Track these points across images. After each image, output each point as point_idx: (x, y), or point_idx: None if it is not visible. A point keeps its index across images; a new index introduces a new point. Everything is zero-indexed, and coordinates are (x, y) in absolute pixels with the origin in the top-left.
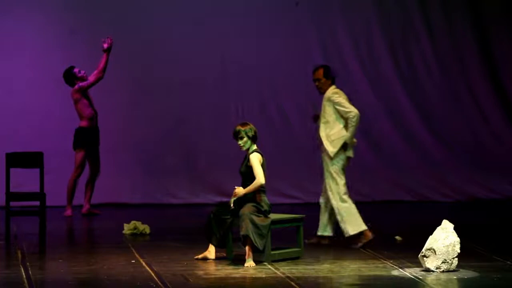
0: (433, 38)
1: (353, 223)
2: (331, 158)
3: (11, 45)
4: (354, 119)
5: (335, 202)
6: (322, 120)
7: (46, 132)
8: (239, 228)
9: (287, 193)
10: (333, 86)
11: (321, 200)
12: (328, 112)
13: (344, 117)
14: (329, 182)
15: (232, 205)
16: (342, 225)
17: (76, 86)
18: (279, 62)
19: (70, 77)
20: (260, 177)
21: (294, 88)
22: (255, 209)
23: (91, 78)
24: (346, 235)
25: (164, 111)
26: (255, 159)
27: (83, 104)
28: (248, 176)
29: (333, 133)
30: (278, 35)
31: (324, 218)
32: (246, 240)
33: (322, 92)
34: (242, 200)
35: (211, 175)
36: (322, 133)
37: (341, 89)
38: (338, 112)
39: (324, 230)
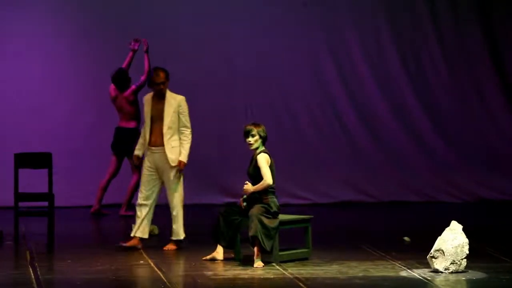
0: (441, 38)
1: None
2: (171, 166)
3: (21, 45)
4: (190, 136)
5: (178, 205)
6: (167, 125)
7: (55, 133)
8: (248, 229)
9: (295, 194)
10: (168, 90)
11: (146, 202)
12: (173, 119)
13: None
14: (176, 187)
15: (243, 204)
16: (176, 226)
17: (134, 87)
18: (287, 62)
19: (126, 79)
20: (267, 178)
21: (303, 89)
22: (264, 210)
23: (142, 79)
24: (174, 238)
25: None
26: (263, 160)
27: (137, 105)
28: (256, 177)
29: (173, 140)
30: (286, 35)
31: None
32: (254, 241)
33: (163, 93)
34: (251, 200)
35: (218, 175)
36: (165, 138)
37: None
38: (178, 121)
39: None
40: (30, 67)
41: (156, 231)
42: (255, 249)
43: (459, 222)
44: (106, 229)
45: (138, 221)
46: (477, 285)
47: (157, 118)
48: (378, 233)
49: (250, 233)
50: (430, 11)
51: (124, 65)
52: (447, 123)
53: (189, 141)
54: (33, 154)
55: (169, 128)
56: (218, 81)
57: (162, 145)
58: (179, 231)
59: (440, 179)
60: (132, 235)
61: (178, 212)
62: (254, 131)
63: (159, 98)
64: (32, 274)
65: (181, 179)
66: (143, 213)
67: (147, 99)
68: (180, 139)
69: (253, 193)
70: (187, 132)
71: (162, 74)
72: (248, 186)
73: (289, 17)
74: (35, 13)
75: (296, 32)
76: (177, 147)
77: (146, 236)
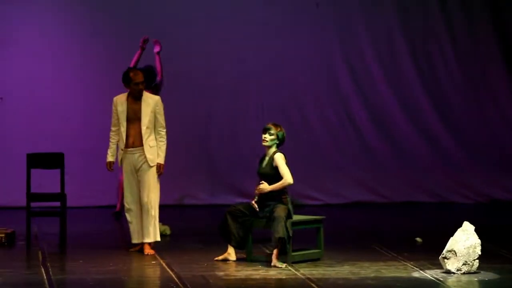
0: (454, 38)
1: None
2: (150, 166)
3: (33, 45)
4: (165, 137)
5: (155, 204)
6: (145, 125)
7: (67, 133)
8: (274, 231)
9: (306, 194)
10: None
11: (133, 207)
12: (151, 119)
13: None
14: (154, 188)
15: (256, 205)
16: (154, 229)
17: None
18: (299, 63)
19: (155, 76)
20: (288, 177)
21: (314, 89)
22: (287, 211)
23: (159, 79)
24: (157, 239)
25: (184, 112)
26: (281, 159)
27: None
28: (272, 177)
29: (151, 140)
30: (298, 36)
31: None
32: (279, 242)
33: (141, 95)
34: (264, 200)
35: (230, 176)
36: (144, 138)
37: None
38: (154, 121)
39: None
40: (41, 67)
41: (168, 232)
42: (276, 250)
43: (471, 223)
44: (119, 229)
45: (131, 227)
46: (490, 286)
47: (134, 118)
48: (389, 233)
49: (277, 235)
50: (443, 12)
51: (132, 64)
52: (459, 123)
53: (165, 142)
54: (45, 154)
55: (147, 128)
56: (230, 81)
57: (140, 145)
58: (156, 232)
59: (452, 179)
60: (133, 242)
61: (155, 213)
62: (273, 130)
63: (136, 99)
64: (44, 274)
65: (158, 179)
66: (133, 218)
67: (119, 100)
68: (156, 139)
69: (269, 193)
70: (164, 132)
71: (141, 74)
72: (265, 186)
73: (301, 18)
74: (47, 13)
75: (308, 33)
76: (155, 147)
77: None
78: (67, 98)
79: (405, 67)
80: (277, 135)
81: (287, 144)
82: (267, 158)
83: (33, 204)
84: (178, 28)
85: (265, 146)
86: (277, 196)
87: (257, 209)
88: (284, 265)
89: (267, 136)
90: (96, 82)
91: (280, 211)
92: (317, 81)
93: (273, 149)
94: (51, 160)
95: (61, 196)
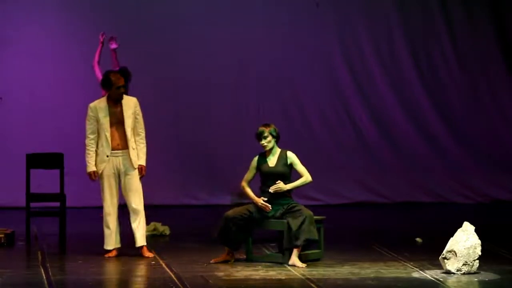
0: (454, 39)
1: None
2: (134, 168)
3: (33, 45)
4: (144, 140)
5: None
6: (130, 127)
7: (66, 133)
8: (304, 230)
9: (307, 195)
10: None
11: (112, 211)
12: (132, 121)
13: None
14: (138, 189)
15: (269, 205)
16: (143, 232)
17: None
18: (300, 63)
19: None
20: (309, 175)
21: (315, 89)
22: None
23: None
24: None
25: (185, 112)
26: (296, 157)
27: None
28: (286, 175)
29: (133, 142)
30: (299, 36)
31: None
32: (308, 243)
33: (122, 98)
34: (273, 198)
35: (231, 176)
36: (129, 140)
37: None
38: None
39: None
40: (41, 67)
41: (168, 232)
42: (298, 249)
43: (471, 223)
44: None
45: (107, 232)
46: (490, 287)
47: (116, 121)
48: (390, 234)
49: (311, 236)
50: (443, 12)
51: (95, 60)
52: (459, 123)
53: (145, 143)
54: (45, 154)
55: (132, 129)
56: (230, 81)
57: (125, 148)
58: (144, 236)
59: (453, 179)
60: (107, 248)
61: (142, 217)
62: (266, 132)
63: (115, 102)
64: (43, 275)
65: (140, 181)
66: (112, 223)
67: (99, 106)
68: (136, 141)
69: (283, 192)
70: (144, 133)
71: (123, 78)
72: (282, 185)
73: (301, 18)
74: (47, 13)
75: (308, 33)
76: (136, 149)
77: (120, 244)
78: (67, 98)
79: (405, 67)
80: (272, 134)
81: (287, 143)
82: (272, 157)
83: (32, 204)
84: (178, 28)
85: (267, 150)
86: (290, 195)
87: (270, 209)
88: (304, 265)
89: (264, 142)
90: (96, 82)
91: (307, 210)
92: (317, 81)
93: (276, 147)
94: (51, 160)
95: (60, 196)
